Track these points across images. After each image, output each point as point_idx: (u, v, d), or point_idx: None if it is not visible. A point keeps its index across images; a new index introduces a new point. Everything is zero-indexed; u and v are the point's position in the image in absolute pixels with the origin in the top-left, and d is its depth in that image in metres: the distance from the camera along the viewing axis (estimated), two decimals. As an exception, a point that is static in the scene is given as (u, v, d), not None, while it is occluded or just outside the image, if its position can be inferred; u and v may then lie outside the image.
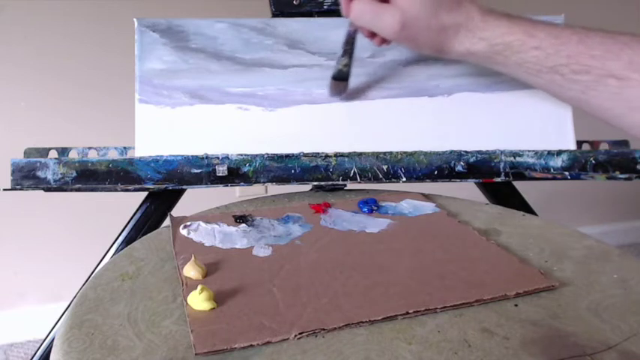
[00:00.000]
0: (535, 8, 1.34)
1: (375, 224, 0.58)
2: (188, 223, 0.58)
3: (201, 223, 0.58)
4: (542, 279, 0.45)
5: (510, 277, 0.46)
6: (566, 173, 0.68)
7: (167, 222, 0.60)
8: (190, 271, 0.47)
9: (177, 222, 0.58)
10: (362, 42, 0.67)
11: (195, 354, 0.36)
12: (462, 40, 0.47)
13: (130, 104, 0.69)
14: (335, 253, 0.51)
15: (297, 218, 0.60)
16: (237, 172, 0.66)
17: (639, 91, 0.36)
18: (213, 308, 0.41)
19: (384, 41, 0.54)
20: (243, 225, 0.58)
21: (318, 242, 0.54)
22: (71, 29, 1.21)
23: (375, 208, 0.62)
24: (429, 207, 0.63)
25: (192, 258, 0.47)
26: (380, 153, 0.67)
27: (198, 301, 0.41)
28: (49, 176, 0.64)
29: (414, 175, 0.67)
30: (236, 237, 0.55)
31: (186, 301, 0.42)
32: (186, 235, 0.55)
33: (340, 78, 0.64)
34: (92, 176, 0.64)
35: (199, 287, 0.42)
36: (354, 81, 0.69)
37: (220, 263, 0.49)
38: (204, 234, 0.56)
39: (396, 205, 0.64)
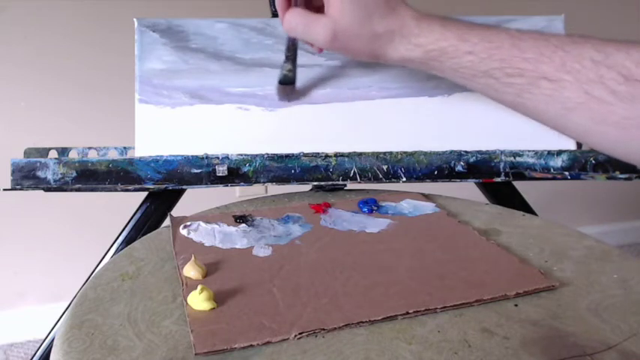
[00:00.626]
0: (535, 8, 1.34)
1: (375, 224, 0.58)
2: (188, 223, 0.58)
3: (201, 223, 0.58)
4: (543, 279, 0.45)
5: (510, 277, 0.46)
6: (566, 173, 0.68)
7: (167, 222, 0.60)
8: (190, 271, 0.47)
9: (177, 222, 0.58)
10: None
11: (195, 354, 0.36)
12: (396, 47, 0.46)
13: (130, 104, 0.69)
14: (335, 253, 0.51)
15: (297, 218, 0.60)
16: (237, 172, 0.66)
17: (572, 92, 0.37)
18: (213, 308, 0.41)
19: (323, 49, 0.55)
20: (243, 225, 0.58)
21: (318, 242, 0.54)
22: (71, 29, 1.21)
23: (375, 208, 0.62)
24: (429, 207, 0.63)
25: (192, 258, 0.47)
26: (380, 153, 0.67)
27: (198, 301, 0.41)
28: (49, 176, 0.64)
29: (414, 175, 0.67)
30: (236, 237, 0.55)
31: (186, 301, 0.42)
32: (186, 235, 0.55)
33: (286, 82, 0.66)
34: (92, 176, 0.64)
35: (199, 287, 0.42)
36: (354, 81, 0.69)
37: (220, 263, 0.49)
38: (204, 234, 0.56)
39: (396, 205, 0.64)
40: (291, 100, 0.68)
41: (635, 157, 0.37)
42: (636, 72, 0.34)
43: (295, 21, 0.49)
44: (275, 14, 0.74)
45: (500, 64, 0.40)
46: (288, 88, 0.67)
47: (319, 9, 0.49)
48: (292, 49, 0.63)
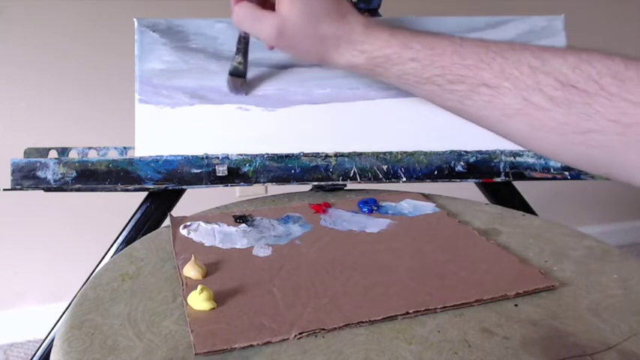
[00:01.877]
0: (535, 8, 1.34)
1: (375, 224, 0.58)
2: (188, 223, 0.58)
3: (202, 223, 0.58)
4: (542, 279, 0.45)
5: (510, 277, 0.46)
6: (566, 173, 0.68)
7: (167, 222, 0.60)
8: (190, 271, 0.47)
9: (177, 222, 0.58)
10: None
11: (195, 354, 0.36)
12: (342, 52, 0.46)
13: (130, 104, 0.69)
14: (335, 253, 0.51)
15: (297, 218, 0.60)
16: (237, 172, 0.66)
17: (511, 98, 0.37)
18: (213, 308, 0.41)
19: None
20: (243, 225, 0.58)
21: (318, 242, 0.54)
22: (71, 29, 1.20)
23: (375, 208, 0.62)
24: (429, 207, 0.63)
25: (193, 258, 0.47)
26: (380, 153, 0.67)
27: (198, 301, 0.41)
28: (49, 176, 0.64)
29: (414, 175, 0.67)
30: (236, 237, 0.55)
31: (186, 301, 0.42)
32: (186, 235, 0.55)
33: (236, 74, 0.66)
34: (92, 176, 0.64)
35: (199, 287, 0.42)
36: (354, 81, 0.69)
37: (220, 263, 0.49)
38: (204, 234, 0.56)
39: (396, 205, 0.64)
40: (240, 92, 0.68)
41: (580, 163, 0.37)
42: (572, 77, 0.34)
43: (243, 14, 0.49)
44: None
45: (441, 70, 0.41)
46: (239, 80, 0.67)
47: (273, 7, 0.49)
48: (243, 42, 0.64)
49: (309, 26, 0.46)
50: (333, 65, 0.48)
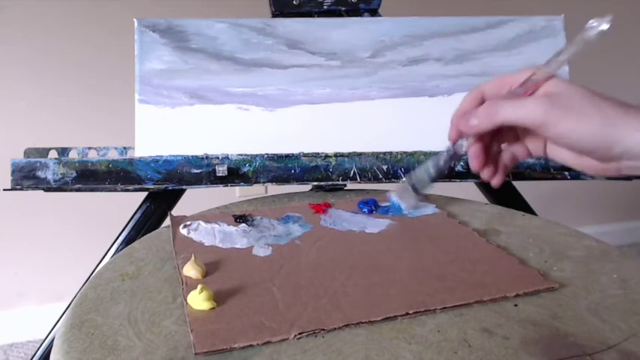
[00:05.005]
0: (535, 8, 1.34)
1: (375, 224, 0.58)
2: (188, 223, 0.58)
3: (202, 223, 0.58)
4: (542, 280, 0.45)
5: (510, 278, 0.46)
6: (566, 173, 0.68)
7: (167, 222, 0.60)
8: (190, 270, 0.47)
9: (177, 221, 0.58)
10: (360, 42, 0.68)
11: (195, 353, 0.36)
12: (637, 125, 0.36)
13: (130, 104, 0.69)
14: (335, 253, 0.51)
15: (297, 218, 0.60)
16: (237, 172, 0.66)
17: None
18: (213, 308, 0.41)
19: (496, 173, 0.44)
20: (243, 225, 0.58)
21: (318, 242, 0.54)
22: (71, 29, 1.20)
23: (375, 208, 0.62)
24: (429, 208, 0.63)
25: (193, 257, 0.47)
26: (380, 153, 0.67)
27: (198, 300, 0.41)
28: (49, 176, 0.64)
29: (414, 175, 0.67)
30: (236, 237, 0.55)
31: (186, 300, 0.42)
32: (186, 234, 0.55)
33: (417, 190, 0.48)
34: (92, 176, 0.64)
35: (199, 287, 0.42)
36: (354, 81, 0.69)
37: (220, 263, 0.49)
38: (204, 233, 0.56)
39: (396, 205, 0.64)
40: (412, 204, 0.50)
41: None
42: None
43: (495, 103, 0.40)
44: (275, 14, 0.74)
45: None
46: (416, 195, 0.49)
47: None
48: (452, 159, 0.46)
49: (586, 90, 0.38)
50: (623, 141, 0.36)
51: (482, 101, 0.42)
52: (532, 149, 0.42)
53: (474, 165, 0.43)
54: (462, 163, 0.67)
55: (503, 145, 0.44)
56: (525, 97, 0.40)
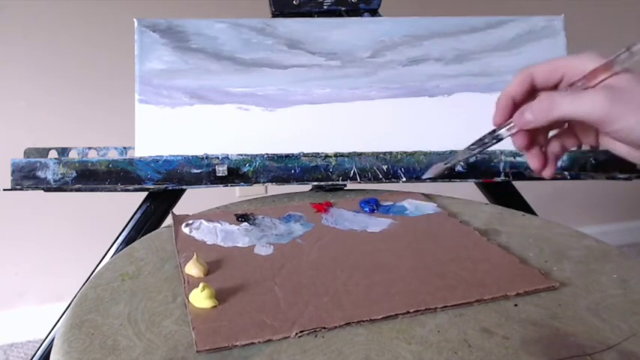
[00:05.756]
0: (535, 8, 1.34)
1: (376, 224, 0.58)
2: (190, 222, 0.58)
3: (203, 222, 0.58)
4: (543, 279, 0.45)
5: (511, 277, 0.46)
6: (566, 173, 0.68)
7: (167, 222, 0.60)
8: (192, 268, 0.47)
9: (179, 220, 0.58)
10: (360, 42, 0.68)
11: (197, 351, 0.36)
12: None
13: (130, 104, 0.69)
14: (336, 252, 0.51)
15: (299, 217, 0.60)
16: (237, 172, 0.66)
17: None
18: (215, 306, 0.41)
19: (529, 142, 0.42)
20: (245, 223, 0.58)
21: (319, 241, 0.54)
22: (71, 29, 1.20)
23: (376, 207, 0.62)
24: (430, 207, 0.63)
25: (195, 256, 0.48)
26: (380, 153, 0.67)
27: (200, 298, 0.41)
28: (49, 176, 0.64)
29: (414, 175, 0.67)
30: (238, 235, 0.55)
31: (187, 298, 0.42)
32: (188, 233, 0.56)
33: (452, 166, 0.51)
34: (92, 176, 0.64)
35: (201, 285, 0.42)
36: (354, 81, 0.69)
37: (222, 261, 0.49)
38: (206, 232, 0.56)
39: (398, 204, 0.64)
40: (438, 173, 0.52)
41: None
42: None
43: (553, 97, 0.38)
44: (275, 14, 0.74)
45: None
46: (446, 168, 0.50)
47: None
48: (493, 141, 0.45)
49: None
50: None
51: (530, 84, 0.41)
52: (583, 139, 0.40)
53: (535, 165, 0.42)
54: (461, 163, 0.67)
55: (552, 133, 0.42)
56: (584, 91, 0.37)
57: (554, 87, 0.40)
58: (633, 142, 0.37)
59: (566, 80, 0.39)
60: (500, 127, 0.42)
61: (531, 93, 0.41)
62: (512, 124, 0.41)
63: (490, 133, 0.44)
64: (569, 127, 0.41)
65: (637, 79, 0.36)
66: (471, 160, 0.47)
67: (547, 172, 0.42)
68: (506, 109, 0.41)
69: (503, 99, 0.41)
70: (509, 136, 0.42)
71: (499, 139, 0.43)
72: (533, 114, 0.38)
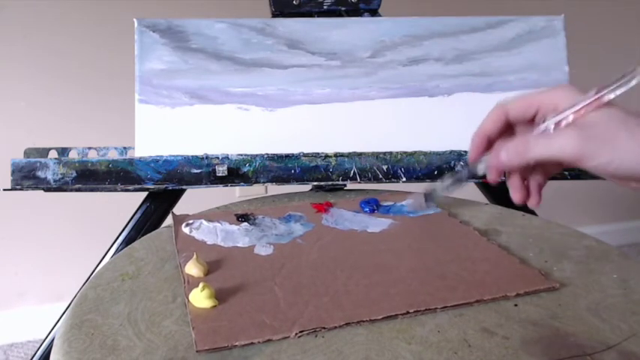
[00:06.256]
0: (535, 8, 1.34)
1: (376, 224, 0.58)
2: (190, 221, 0.58)
3: (204, 222, 0.58)
4: (543, 280, 0.45)
5: (511, 277, 0.46)
6: (566, 173, 0.68)
7: (167, 222, 0.60)
8: (192, 268, 0.47)
9: (179, 220, 0.58)
10: (360, 42, 0.68)
11: (197, 351, 0.36)
12: None
13: (130, 104, 0.69)
14: (336, 252, 0.51)
15: (299, 217, 0.60)
16: (237, 172, 0.66)
17: None
18: (215, 306, 0.42)
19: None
20: (245, 223, 0.58)
21: (319, 241, 0.54)
22: (71, 29, 1.20)
23: (377, 208, 0.62)
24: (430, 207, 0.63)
25: (195, 256, 0.48)
26: (380, 153, 0.67)
27: (200, 298, 0.41)
28: (49, 176, 0.64)
29: (414, 175, 0.67)
30: (238, 235, 0.55)
31: (187, 298, 0.42)
32: (188, 233, 0.56)
33: (431, 198, 0.52)
34: (92, 176, 0.64)
35: (201, 285, 0.42)
36: (354, 81, 0.69)
37: (222, 261, 0.49)
38: (206, 232, 0.56)
39: (398, 205, 0.64)
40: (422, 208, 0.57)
41: None
42: None
43: (526, 141, 0.38)
44: (275, 14, 0.74)
45: None
46: (427, 202, 0.53)
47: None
48: (467, 176, 0.47)
49: (623, 114, 0.36)
50: None
51: (505, 121, 0.41)
52: (566, 165, 0.40)
53: (517, 198, 0.42)
54: (461, 163, 0.67)
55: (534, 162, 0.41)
56: (556, 132, 0.37)
57: (531, 120, 0.41)
58: (612, 176, 0.37)
59: (541, 114, 0.40)
60: (474, 163, 0.43)
61: (507, 128, 0.41)
62: (486, 163, 0.41)
63: (464, 171, 0.45)
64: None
65: (608, 112, 0.36)
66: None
67: (533, 202, 0.43)
68: (481, 147, 0.42)
69: (478, 137, 0.42)
70: (483, 172, 0.43)
71: (474, 175, 0.44)
72: (508, 156, 0.39)
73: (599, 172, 0.37)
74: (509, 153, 0.39)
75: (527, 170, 0.43)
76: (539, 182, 0.42)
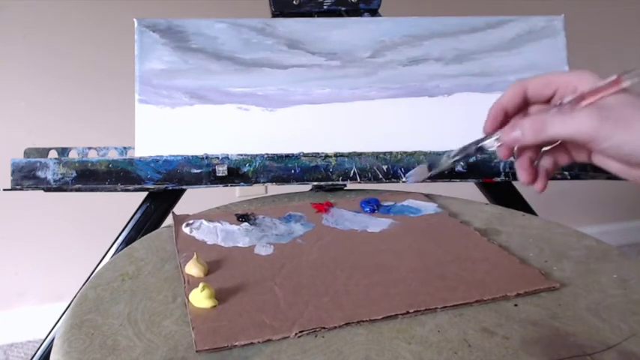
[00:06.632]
0: (535, 8, 1.34)
1: (376, 224, 0.58)
2: (191, 221, 0.58)
3: (204, 222, 0.58)
4: (544, 280, 0.45)
5: (511, 278, 0.46)
6: (566, 173, 0.68)
7: (167, 222, 0.60)
8: (192, 268, 0.47)
9: (179, 220, 0.58)
10: (360, 42, 0.68)
11: (197, 351, 0.36)
12: None
13: (130, 104, 0.69)
14: (336, 252, 0.51)
15: (299, 217, 0.60)
16: (237, 172, 0.66)
17: None
18: (215, 306, 0.42)
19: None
20: (246, 223, 0.58)
21: (319, 241, 0.54)
22: (71, 29, 1.20)
23: (377, 208, 0.62)
24: (430, 207, 0.63)
25: (195, 256, 0.48)
26: (380, 153, 0.67)
27: (200, 298, 0.41)
28: (49, 176, 0.64)
29: (414, 175, 0.67)
30: (238, 235, 0.55)
31: (187, 298, 0.42)
32: (188, 233, 0.56)
33: (434, 167, 0.50)
34: (92, 176, 0.64)
35: (201, 285, 0.42)
36: (354, 81, 0.69)
37: (222, 261, 0.49)
38: (206, 232, 0.56)
39: (399, 205, 0.64)
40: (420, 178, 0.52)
41: None
42: None
43: (543, 118, 0.38)
44: (275, 14, 0.74)
45: None
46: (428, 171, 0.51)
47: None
48: (477, 152, 0.45)
49: (637, 99, 0.36)
50: None
51: (523, 97, 0.41)
52: (576, 156, 0.41)
53: (524, 178, 0.42)
54: (461, 163, 0.67)
55: (545, 148, 0.42)
56: (574, 111, 0.37)
57: (547, 101, 0.41)
58: (623, 159, 0.37)
59: (558, 95, 0.40)
60: (487, 137, 0.42)
61: (524, 106, 0.41)
62: (499, 136, 0.41)
63: (475, 144, 0.44)
64: (561, 143, 0.41)
65: (625, 96, 0.37)
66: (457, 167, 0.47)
67: (539, 186, 0.42)
68: (498, 119, 0.42)
69: (496, 109, 0.42)
70: (493, 148, 0.42)
71: (483, 151, 0.43)
72: (523, 133, 0.39)
73: (611, 154, 0.37)
74: (525, 129, 0.38)
75: (537, 152, 0.42)
76: (547, 168, 0.42)
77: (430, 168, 0.49)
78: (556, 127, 0.37)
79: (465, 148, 0.45)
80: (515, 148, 0.42)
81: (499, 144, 0.41)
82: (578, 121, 0.36)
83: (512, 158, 0.42)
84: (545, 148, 0.42)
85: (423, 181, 0.51)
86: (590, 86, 0.37)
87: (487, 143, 0.42)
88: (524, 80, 0.41)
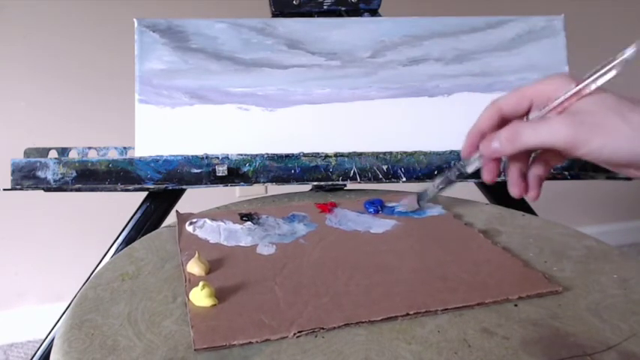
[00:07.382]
0: (535, 8, 1.34)
1: (380, 225, 0.58)
2: (194, 220, 0.58)
3: (207, 221, 0.58)
4: (546, 283, 0.45)
5: (514, 280, 0.46)
6: (566, 173, 0.68)
7: (167, 222, 0.60)
8: (194, 267, 0.47)
9: (183, 218, 0.59)
10: (360, 42, 0.68)
11: (195, 349, 0.36)
12: None
13: (130, 104, 0.69)
14: (338, 252, 0.51)
15: (303, 217, 0.60)
16: (237, 172, 0.66)
17: None
18: (215, 305, 0.42)
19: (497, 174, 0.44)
20: (249, 223, 0.58)
21: (322, 241, 0.54)
22: (71, 29, 1.20)
23: (381, 208, 0.62)
24: (435, 208, 0.63)
25: (196, 254, 0.48)
26: (380, 153, 0.67)
27: (200, 297, 0.41)
28: (49, 176, 0.64)
29: (414, 175, 0.67)
30: (241, 235, 0.55)
31: (188, 297, 0.42)
32: (191, 231, 0.56)
33: (423, 198, 0.55)
34: (92, 176, 0.64)
35: (201, 283, 0.42)
36: (354, 81, 0.69)
37: (224, 260, 0.49)
38: (209, 231, 0.56)
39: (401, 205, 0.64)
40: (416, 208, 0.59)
41: None
42: None
43: (517, 127, 0.38)
44: (275, 14, 0.74)
45: None
46: (419, 201, 0.56)
47: None
48: (457, 178, 0.48)
49: (614, 100, 0.36)
50: None
51: (500, 117, 0.40)
52: (565, 155, 0.40)
53: (514, 191, 0.42)
54: (461, 163, 0.66)
55: (533, 154, 0.42)
56: (547, 119, 0.37)
57: (525, 114, 0.40)
58: (604, 162, 0.36)
59: (535, 106, 0.39)
60: (466, 160, 0.43)
61: (502, 125, 0.41)
62: (478, 156, 0.41)
63: (454, 170, 0.46)
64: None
65: (599, 98, 0.36)
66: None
67: (531, 195, 0.42)
68: (475, 143, 0.42)
69: (473, 133, 0.42)
70: (473, 169, 0.43)
71: (463, 175, 0.45)
72: (500, 142, 0.39)
73: (593, 159, 0.36)
74: (501, 140, 0.39)
75: (526, 163, 0.42)
76: (539, 175, 0.42)
77: (418, 198, 0.54)
78: (530, 136, 0.37)
79: (445, 176, 0.48)
80: (501, 167, 0.42)
81: (480, 164, 0.42)
82: (553, 129, 0.36)
83: (497, 179, 0.42)
84: (534, 155, 0.42)
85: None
86: (562, 92, 0.37)
87: (467, 165, 0.43)
88: (497, 100, 0.41)
